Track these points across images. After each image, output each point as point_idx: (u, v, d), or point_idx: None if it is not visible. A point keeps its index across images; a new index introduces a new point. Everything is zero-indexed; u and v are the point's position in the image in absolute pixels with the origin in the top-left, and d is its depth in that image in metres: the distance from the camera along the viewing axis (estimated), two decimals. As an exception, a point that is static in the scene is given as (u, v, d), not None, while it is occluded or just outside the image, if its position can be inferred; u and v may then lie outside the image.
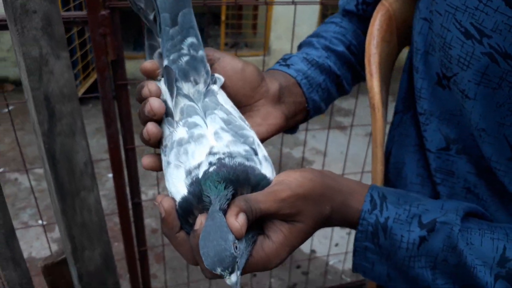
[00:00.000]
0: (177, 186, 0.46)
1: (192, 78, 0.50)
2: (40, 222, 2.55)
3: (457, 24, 0.49)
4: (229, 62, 0.54)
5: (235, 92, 0.55)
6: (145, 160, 0.51)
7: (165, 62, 0.51)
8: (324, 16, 5.61)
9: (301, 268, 2.47)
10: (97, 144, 3.44)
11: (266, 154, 0.49)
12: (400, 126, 0.69)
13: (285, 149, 3.64)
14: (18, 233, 0.64)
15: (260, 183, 0.46)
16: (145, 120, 0.50)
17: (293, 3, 1.30)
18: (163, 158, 0.49)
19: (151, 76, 0.52)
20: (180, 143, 0.47)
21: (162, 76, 0.51)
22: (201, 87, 0.51)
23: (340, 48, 0.72)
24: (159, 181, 2.88)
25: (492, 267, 0.47)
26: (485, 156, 0.52)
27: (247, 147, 0.47)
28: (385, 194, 0.53)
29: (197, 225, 0.43)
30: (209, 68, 0.52)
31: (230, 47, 6.05)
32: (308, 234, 0.48)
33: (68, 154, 0.63)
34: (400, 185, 0.67)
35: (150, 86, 0.49)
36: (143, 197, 2.57)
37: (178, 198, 0.46)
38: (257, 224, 0.45)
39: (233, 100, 0.54)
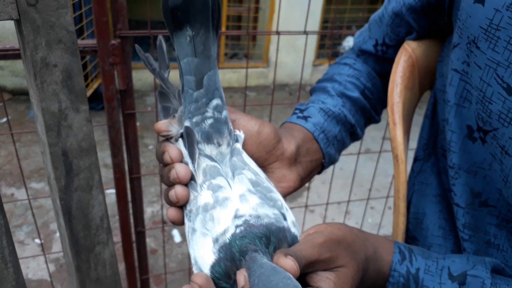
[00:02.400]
0: (204, 255, 0.43)
1: (215, 141, 0.48)
2: (37, 241, 2.49)
3: (498, 80, 0.47)
4: (244, 124, 0.52)
5: (249, 154, 0.53)
6: (170, 213, 0.49)
7: (187, 123, 0.48)
8: (323, 28, 5.62)
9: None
10: (95, 158, 3.39)
11: (294, 219, 0.47)
12: (420, 174, 0.67)
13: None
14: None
15: (295, 241, 0.44)
16: (169, 184, 0.48)
17: (305, 33, 1.28)
18: (187, 223, 0.47)
19: (165, 135, 0.50)
20: (206, 208, 0.45)
21: (181, 136, 0.49)
22: (224, 148, 0.49)
23: (355, 94, 0.70)
24: (158, 198, 2.84)
25: None
26: None
27: (276, 211, 0.45)
28: (410, 246, 0.52)
29: (241, 282, 0.39)
30: (231, 128, 0.50)
31: (229, 57, 6.04)
32: (355, 279, 0.45)
33: (84, 209, 0.60)
34: (421, 237, 0.65)
35: (171, 152, 0.48)
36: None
37: (205, 267, 0.43)
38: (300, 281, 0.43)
39: None
